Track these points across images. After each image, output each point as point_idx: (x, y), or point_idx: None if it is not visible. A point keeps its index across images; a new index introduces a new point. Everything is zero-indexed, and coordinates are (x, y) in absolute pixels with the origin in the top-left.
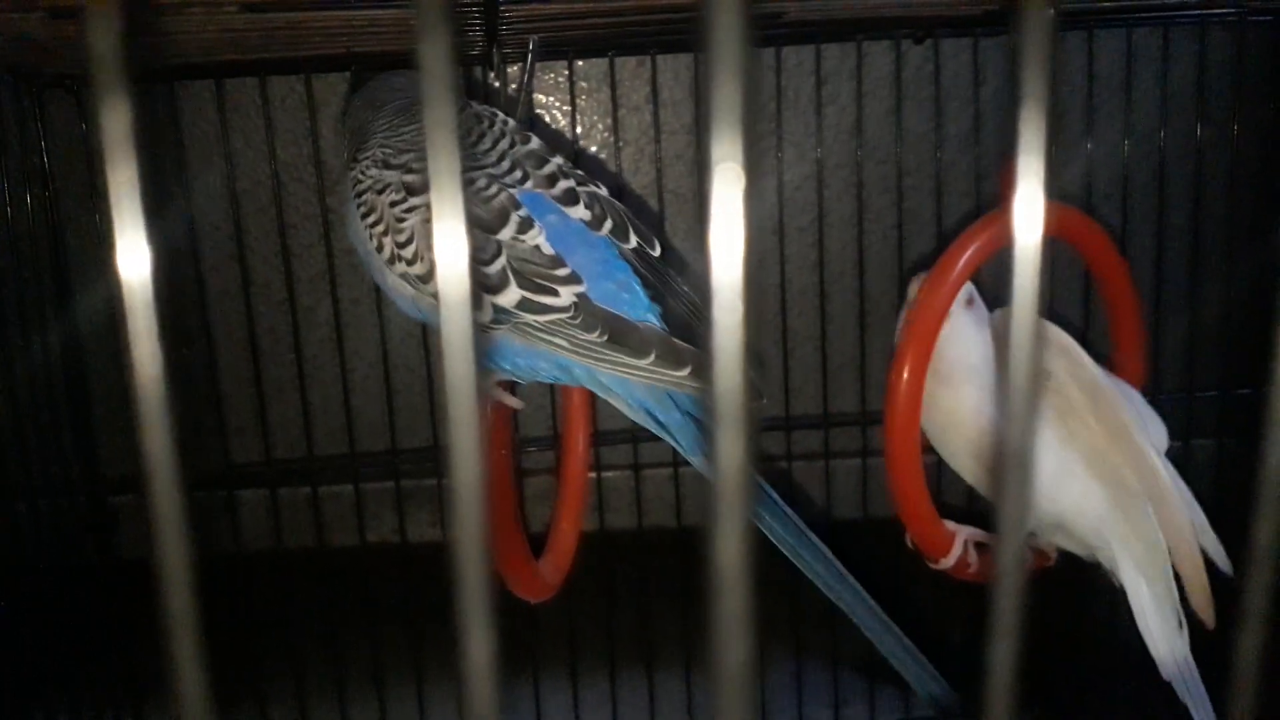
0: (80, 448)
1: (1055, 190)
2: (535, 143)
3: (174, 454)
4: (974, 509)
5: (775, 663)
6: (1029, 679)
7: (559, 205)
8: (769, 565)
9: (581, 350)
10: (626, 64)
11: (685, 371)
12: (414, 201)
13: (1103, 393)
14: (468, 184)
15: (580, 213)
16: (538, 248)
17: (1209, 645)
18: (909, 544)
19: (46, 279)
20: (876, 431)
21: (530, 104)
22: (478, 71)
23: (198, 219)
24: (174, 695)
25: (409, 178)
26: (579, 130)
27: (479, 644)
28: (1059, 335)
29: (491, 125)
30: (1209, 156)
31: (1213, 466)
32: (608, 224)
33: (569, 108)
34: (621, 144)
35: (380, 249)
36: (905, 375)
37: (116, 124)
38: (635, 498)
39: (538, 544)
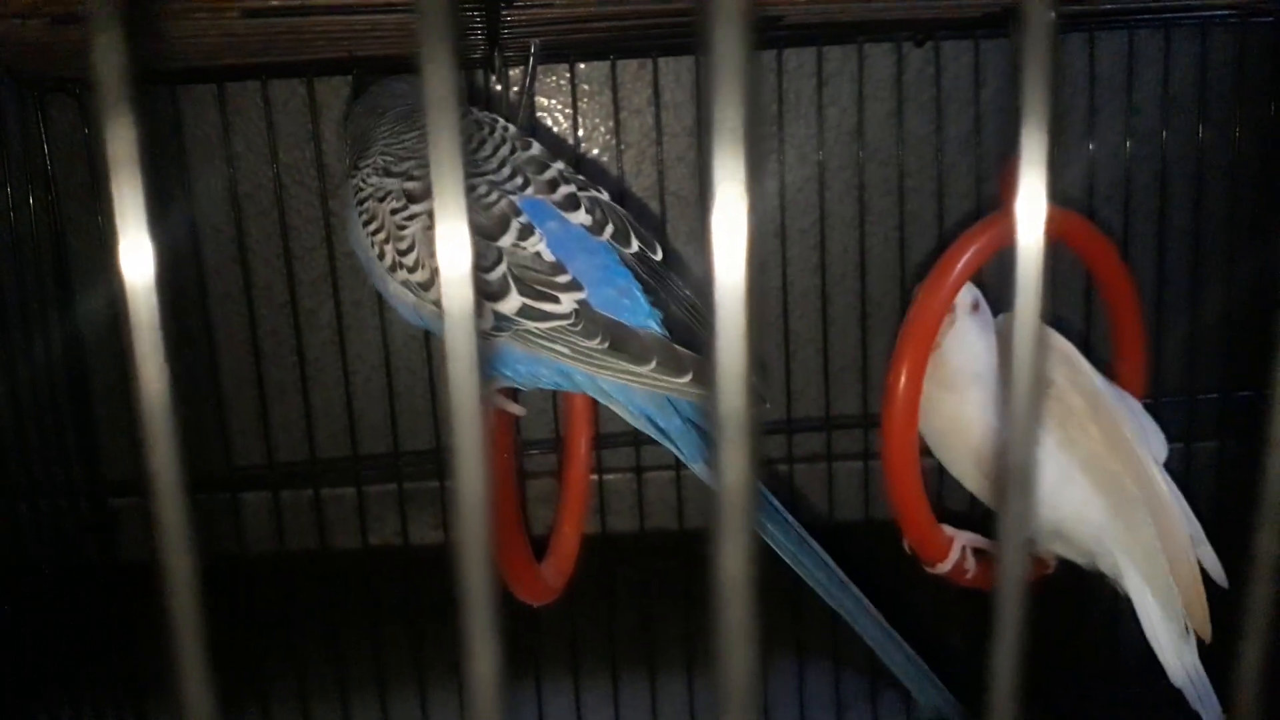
0: (81, 449)
1: (1057, 193)
2: (536, 148)
3: (178, 457)
4: (976, 515)
5: (778, 666)
6: (1030, 686)
7: (560, 211)
8: (771, 569)
9: (582, 357)
10: (628, 67)
11: (686, 378)
12: (415, 209)
13: (1102, 401)
14: (468, 190)
15: (581, 218)
16: (538, 254)
17: (1217, 649)
18: (906, 548)
19: (48, 281)
20: (878, 434)
21: (532, 107)
22: (479, 76)
23: (200, 222)
24: (178, 698)
25: (410, 185)
26: (580, 133)
27: (484, 648)
28: (1060, 342)
29: (492, 131)
30: (1210, 158)
31: (1214, 468)
32: (609, 229)
33: (571, 111)
34: (623, 147)
35: (382, 257)
36: (903, 379)
37: (121, 137)
38: (637, 500)
39: (540, 546)
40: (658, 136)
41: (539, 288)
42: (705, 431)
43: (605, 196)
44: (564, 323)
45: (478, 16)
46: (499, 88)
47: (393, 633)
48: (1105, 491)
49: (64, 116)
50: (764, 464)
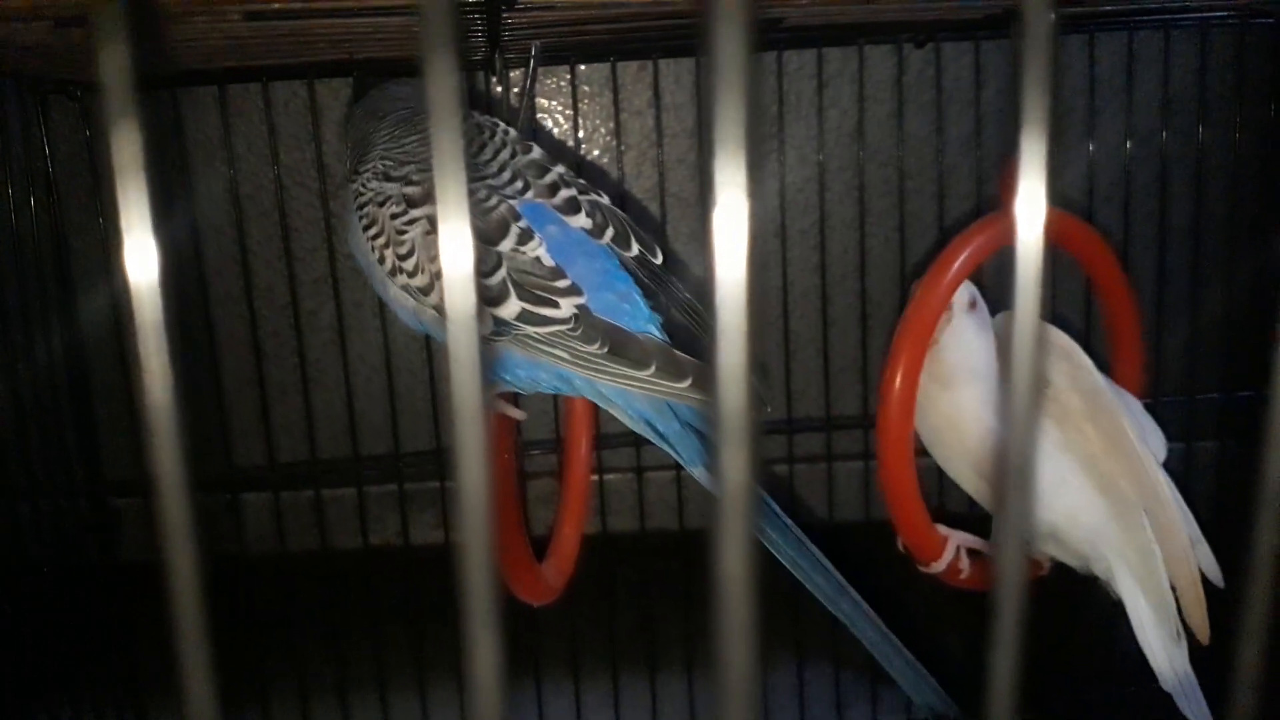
0: (82, 449)
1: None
2: (536, 152)
3: (182, 455)
4: (974, 516)
5: (778, 665)
6: (1027, 687)
7: (560, 215)
8: (771, 568)
9: (582, 362)
10: (629, 69)
11: (686, 383)
12: (415, 214)
13: (1102, 399)
14: (468, 195)
15: (581, 221)
16: (538, 259)
17: (1208, 655)
18: (900, 547)
19: (50, 282)
20: (876, 435)
21: (532, 109)
22: (480, 79)
23: (201, 223)
24: (182, 698)
25: (409, 190)
26: (581, 135)
27: (485, 647)
28: (1061, 338)
29: (493, 135)
30: (1210, 158)
31: (1214, 469)
32: (609, 232)
33: (571, 112)
34: (624, 148)
35: (382, 261)
36: (898, 378)
37: (126, 140)
38: (637, 501)
39: (540, 547)
40: (658, 138)
41: (538, 292)
42: (704, 435)
43: (606, 200)
44: (563, 327)
45: (479, 19)
46: (499, 90)
47: (393, 633)
48: (1101, 493)
49: (65, 118)
50: (764, 465)
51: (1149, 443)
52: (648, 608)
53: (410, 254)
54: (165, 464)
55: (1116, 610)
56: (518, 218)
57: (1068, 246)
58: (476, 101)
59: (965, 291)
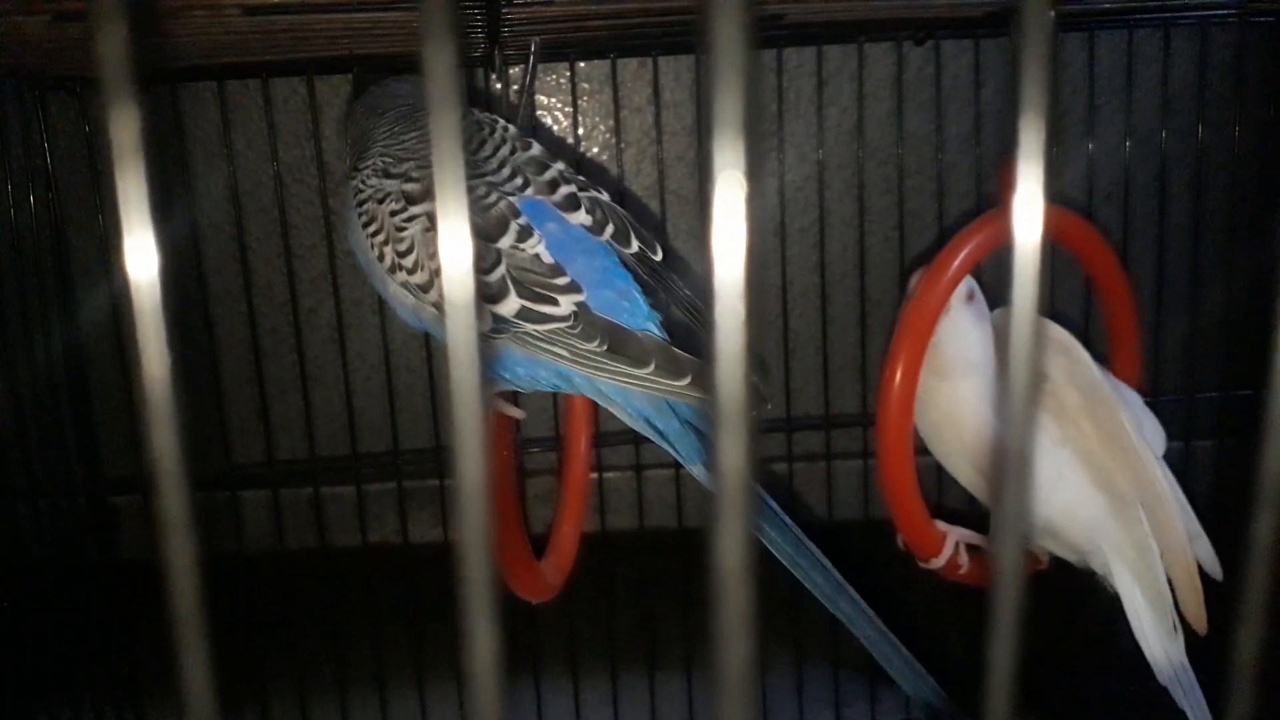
0: (82, 448)
1: (1055, 192)
2: (536, 148)
3: (181, 449)
4: (974, 513)
5: (777, 664)
6: (1026, 682)
7: (560, 212)
8: (770, 567)
9: (581, 359)
10: (628, 65)
11: (685, 381)
12: (414, 210)
13: (1100, 393)
14: (468, 192)
15: (581, 218)
16: (537, 256)
17: (1205, 647)
18: (900, 544)
19: (49, 279)
20: (875, 432)
21: (532, 106)
22: (479, 76)
23: (200, 220)
24: (181, 697)
25: (409, 186)
26: (580, 132)
27: (483, 645)
28: (1059, 333)
29: (492, 132)
30: (1210, 157)
31: (1213, 468)
32: (609, 229)
33: (571, 109)
34: (623, 145)
35: (381, 258)
36: (898, 374)
37: (126, 132)
38: (637, 499)
39: (539, 544)
40: (658, 135)
41: (538, 290)
42: (703, 434)
43: (605, 197)
44: (563, 325)
45: (478, 15)
46: (499, 86)
47: (392, 631)
48: (1098, 488)
49: (64, 114)
50: (762, 462)
51: (1148, 437)
52: (647, 606)
53: (410, 251)
54: (164, 460)
55: (1115, 605)
56: (517, 214)
57: (1067, 243)
58: (476, 98)
59: (963, 284)
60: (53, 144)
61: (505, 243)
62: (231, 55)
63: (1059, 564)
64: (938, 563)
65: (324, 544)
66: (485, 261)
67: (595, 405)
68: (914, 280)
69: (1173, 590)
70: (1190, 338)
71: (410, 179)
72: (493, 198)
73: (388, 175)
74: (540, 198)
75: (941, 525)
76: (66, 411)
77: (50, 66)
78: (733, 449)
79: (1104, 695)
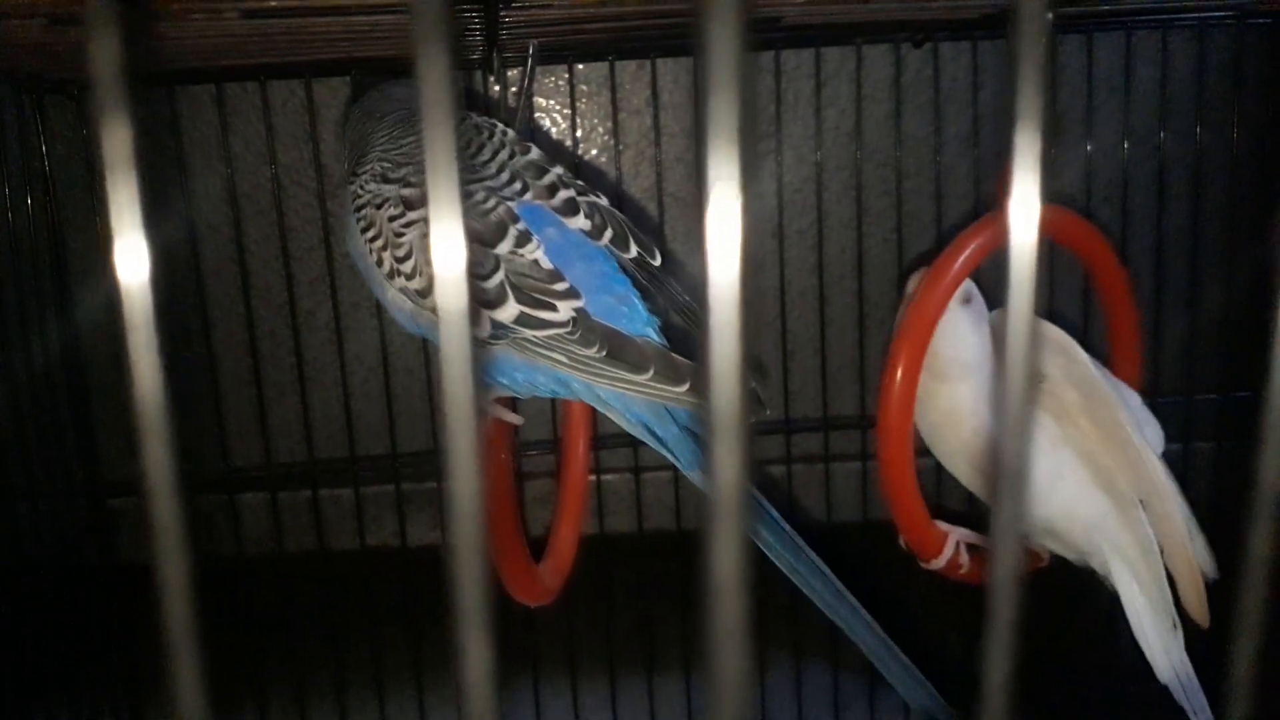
0: (81, 450)
1: (1053, 192)
2: (535, 153)
3: (172, 456)
4: (973, 513)
5: (775, 666)
6: (1024, 683)
7: (559, 217)
8: (769, 568)
9: (580, 365)
10: (627, 68)
11: (684, 387)
12: (412, 216)
13: (1099, 392)
14: (466, 197)
15: (580, 223)
16: (536, 262)
17: (1204, 647)
18: (902, 545)
19: (47, 281)
20: (876, 434)
21: (530, 108)
22: (478, 80)
23: (198, 222)
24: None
25: (407, 191)
26: (579, 134)
27: (476, 649)
28: (1056, 334)
29: (491, 136)
30: (1208, 158)
31: (1211, 469)
32: (608, 234)
33: (569, 111)
34: (621, 147)
35: (380, 264)
36: (899, 375)
37: (117, 137)
38: (635, 501)
39: (538, 547)
40: (656, 137)
41: (537, 295)
42: (702, 439)
43: (604, 201)
44: (561, 331)
45: (476, 17)
46: (497, 89)
47: (391, 633)
48: (1097, 487)
49: (62, 117)
50: (760, 465)
51: (1146, 435)
52: (645, 608)
53: (408, 256)
54: (156, 465)
55: (1115, 604)
56: (516, 220)
57: (1068, 243)
58: (474, 101)
59: (960, 286)
60: (50, 147)
61: (504, 248)
62: (229, 58)
63: (1059, 562)
64: (939, 563)
65: (322, 547)
66: (484, 267)
67: (594, 409)
68: (912, 282)
69: (1173, 586)
70: (1189, 339)
71: (409, 184)
72: (491, 203)
73: (386, 180)
74: (539, 202)
75: (942, 525)
76: (65, 413)
77: (48, 69)
78: (728, 456)
79: (1104, 695)
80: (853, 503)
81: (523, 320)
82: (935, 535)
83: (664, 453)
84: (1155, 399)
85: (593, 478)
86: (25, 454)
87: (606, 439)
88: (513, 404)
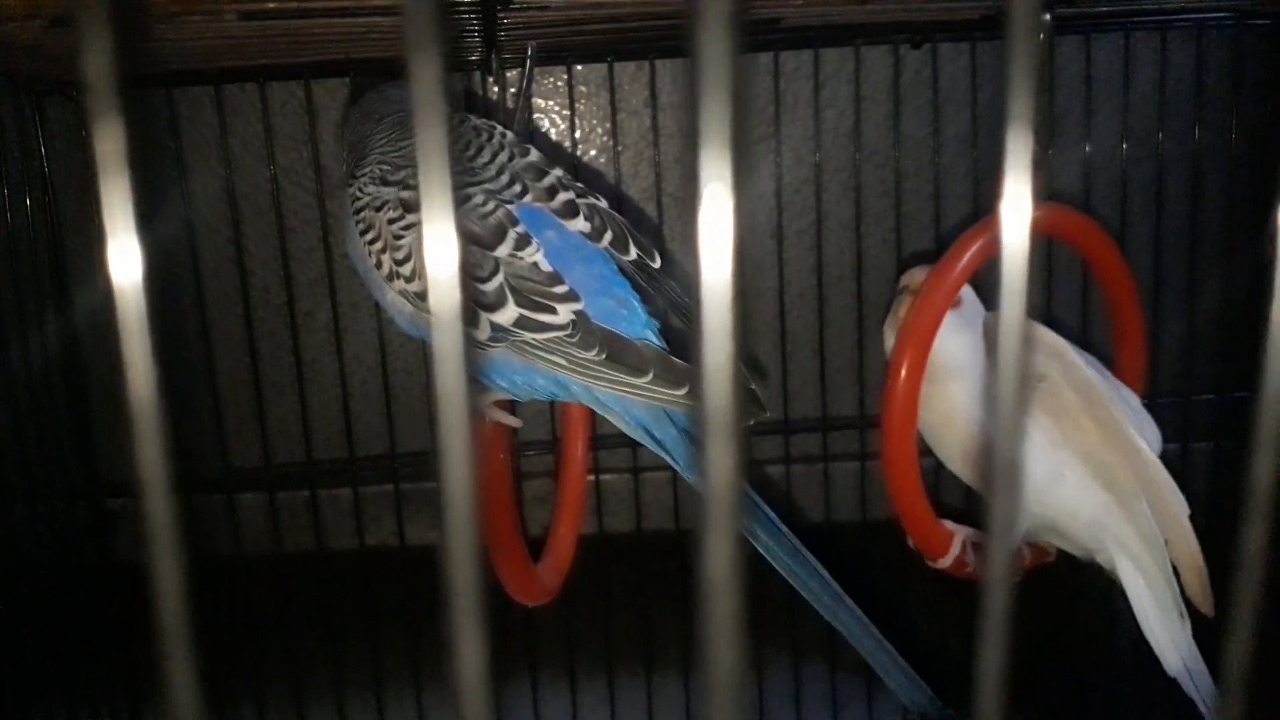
0: (79, 450)
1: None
2: (534, 154)
3: (167, 457)
4: (972, 511)
5: (773, 666)
6: (1023, 679)
7: (558, 219)
8: (767, 568)
9: (579, 368)
10: (625, 69)
11: (683, 391)
12: (411, 218)
13: (1094, 394)
14: (465, 200)
15: (580, 224)
16: (535, 265)
17: (1211, 637)
18: (910, 545)
19: (46, 282)
20: (875, 435)
21: (529, 109)
22: (477, 82)
23: (197, 223)
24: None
25: (406, 194)
26: (578, 135)
27: (471, 648)
28: (1050, 338)
29: (490, 138)
30: (1206, 159)
31: (1209, 469)
32: (607, 236)
33: (568, 113)
34: (620, 148)
35: (379, 266)
36: (902, 376)
37: (110, 138)
38: (634, 501)
39: (536, 547)
40: (654, 138)
41: (536, 298)
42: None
43: (604, 203)
44: (561, 334)
45: (474, 19)
46: (496, 90)
47: (389, 633)
48: (1099, 485)
49: (61, 118)
50: (758, 466)
51: (1144, 435)
52: (644, 608)
53: (407, 259)
54: (149, 466)
55: (1116, 604)
56: (515, 223)
57: (1072, 241)
58: (473, 103)
59: None
60: (49, 148)
61: (503, 251)
62: (228, 59)
63: (1059, 560)
64: (945, 562)
65: (321, 547)
66: (483, 270)
67: (592, 409)
68: (904, 279)
69: (1178, 577)
70: (1187, 340)
71: (408, 186)
72: (490, 206)
73: (385, 183)
74: (539, 205)
75: (948, 524)
76: (63, 414)
77: (47, 71)
78: (722, 457)
79: (1103, 693)
80: (851, 503)
81: (522, 323)
82: (941, 534)
83: (662, 455)
84: (1153, 399)
85: (591, 478)
86: (23, 454)
87: (605, 439)
88: (511, 406)
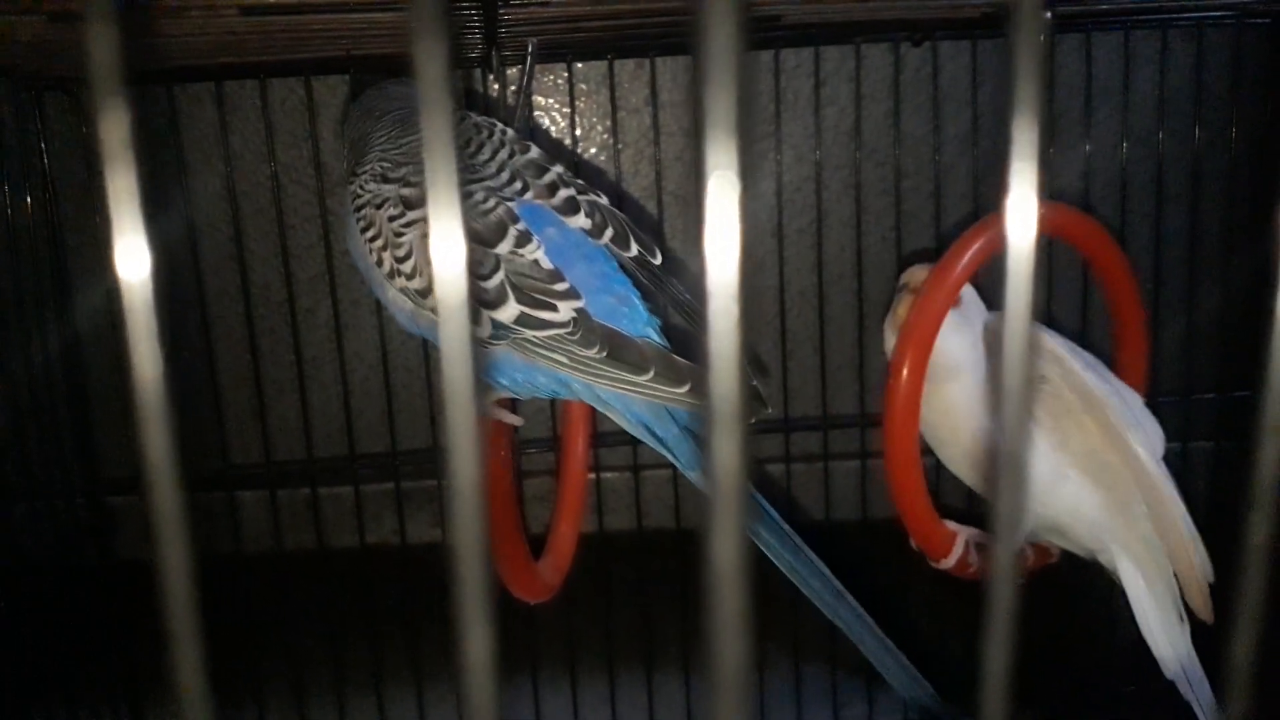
0: (79, 448)
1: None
2: (535, 151)
3: (174, 457)
4: (972, 510)
5: (774, 664)
6: (1027, 679)
7: (559, 216)
8: (768, 567)
9: (580, 366)
10: (625, 66)
11: (684, 389)
12: (412, 216)
13: (1093, 399)
14: (465, 197)
15: (581, 222)
16: (536, 262)
17: (1209, 641)
18: (913, 545)
19: (46, 280)
20: (875, 433)
21: (529, 107)
22: (477, 79)
23: (197, 220)
24: (176, 698)
25: (406, 191)
26: (578, 133)
27: (478, 645)
28: (1050, 342)
29: (490, 135)
30: (1206, 158)
31: (1210, 469)
32: (608, 233)
33: (568, 110)
34: (620, 146)
35: (380, 264)
36: (904, 376)
37: (115, 130)
38: (634, 499)
39: (537, 545)
40: (655, 136)
41: (537, 296)
42: (701, 439)
43: (604, 200)
44: (562, 331)
45: (475, 16)
46: (496, 87)
47: (390, 631)
48: (1101, 486)
49: (61, 115)
50: (759, 464)
51: (1148, 438)
52: (645, 606)
53: (408, 256)
54: (156, 460)
55: (1117, 603)
56: (516, 220)
57: (1075, 241)
58: (474, 101)
59: None
60: (49, 144)
61: (504, 248)
62: (228, 55)
63: (1061, 561)
64: (948, 562)
65: (321, 545)
66: (484, 267)
67: (593, 407)
68: (905, 277)
69: (1178, 581)
70: (1188, 339)
71: (408, 183)
72: (491, 203)
73: (386, 180)
74: (539, 202)
75: (951, 525)
76: (64, 412)
77: (47, 67)
78: (727, 450)
79: (1104, 693)
80: (852, 501)
81: (523, 321)
82: (944, 535)
83: (664, 452)
84: (1154, 398)
85: (592, 475)
86: (24, 452)
87: (606, 437)
88: (512, 404)
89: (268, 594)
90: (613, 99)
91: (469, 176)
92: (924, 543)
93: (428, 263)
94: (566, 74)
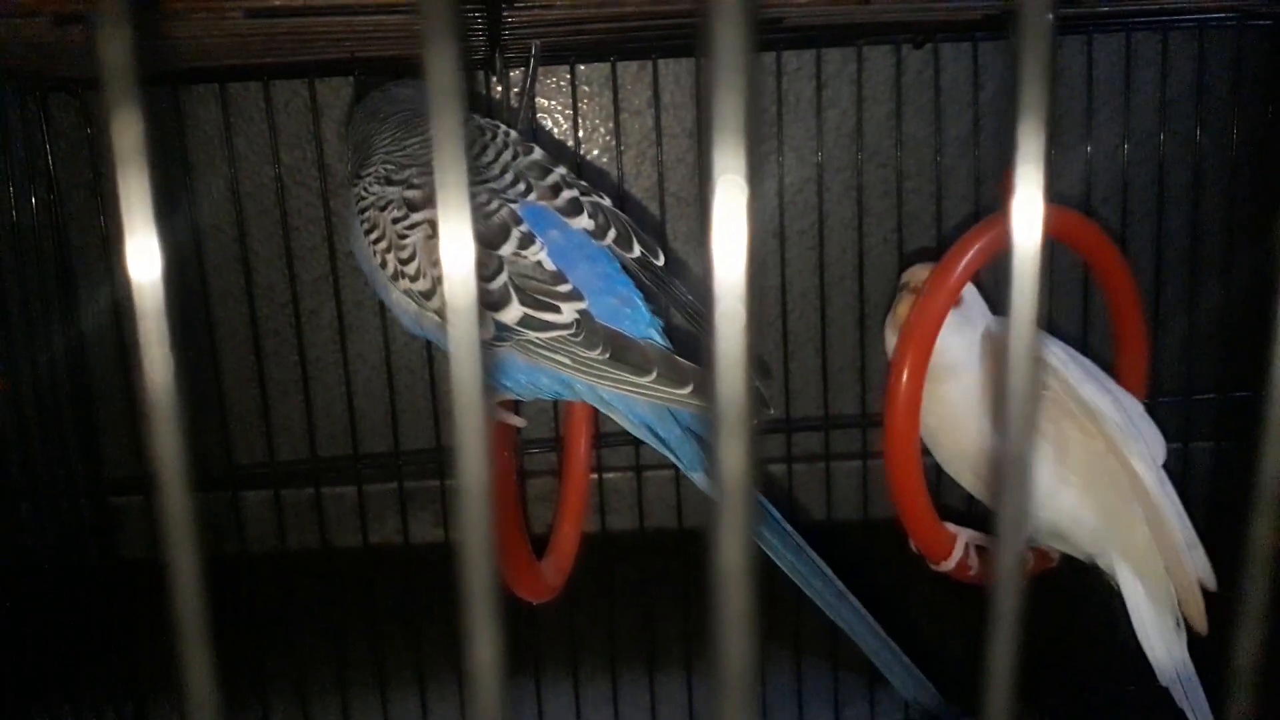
0: (83, 448)
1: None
2: (538, 153)
3: (183, 457)
4: (972, 512)
5: (776, 664)
6: (1026, 683)
7: (562, 217)
8: (770, 567)
9: (583, 367)
10: (628, 68)
11: (687, 390)
12: (415, 218)
13: (1090, 408)
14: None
15: (583, 223)
16: (539, 264)
17: (1205, 650)
18: (913, 547)
19: (51, 280)
20: (876, 434)
21: (533, 109)
22: (481, 81)
23: (201, 222)
24: (183, 697)
25: (410, 193)
26: (580, 135)
27: (485, 646)
28: (1047, 352)
29: (494, 137)
30: (1208, 160)
31: (1211, 469)
32: (611, 234)
33: (571, 112)
34: (623, 148)
35: (384, 266)
36: (904, 377)
37: (127, 133)
38: (637, 499)
39: (540, 545)
40: (657, 138)
41: (540, 297)
42: (704, 440)
43: (607, 202)
44: (565, 333)
45: (479, 18)
46: (499, 89)
47: (393, 631)
48: (1100, 491)
49: (66, 116)
50: (762, 463)
51: (1148, 445)
52: (647, 606)
53: (412, 258)
54: (166, 462)
55: (1116, 605)
56: (519, 222)
57: (1075, 245)
58: (477, 103)
59: None
60: (54, 145)
61: (507, 250)
62: (233, 57)
63: (1062, 563)
64: (948, 565)
65: (325, 544)
66: (487, 269)
67: (595, 408)
68: (906, 276)
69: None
70: (1188, 339)
71: (412, 185)
72: (494, 205)
73: (389, 182)
74: (543, 203)
75: (951, 527)
76: (68, 412)
77: (52, 68)
78: (733, 451)
79: (1104, 695)
80: (853, 501)
81: (526, 322)
82: (944, 537)
83: (666, 453)
84: (1155, 399)
85: (594, 476)
86: (28, 452)
87: (608, 437)
88: (515, 405)
89: (272, 593)
90: (615, 101)
91: (472, 178)
92: (924, 545)
93: (431, 265)
94: (569, 76)
